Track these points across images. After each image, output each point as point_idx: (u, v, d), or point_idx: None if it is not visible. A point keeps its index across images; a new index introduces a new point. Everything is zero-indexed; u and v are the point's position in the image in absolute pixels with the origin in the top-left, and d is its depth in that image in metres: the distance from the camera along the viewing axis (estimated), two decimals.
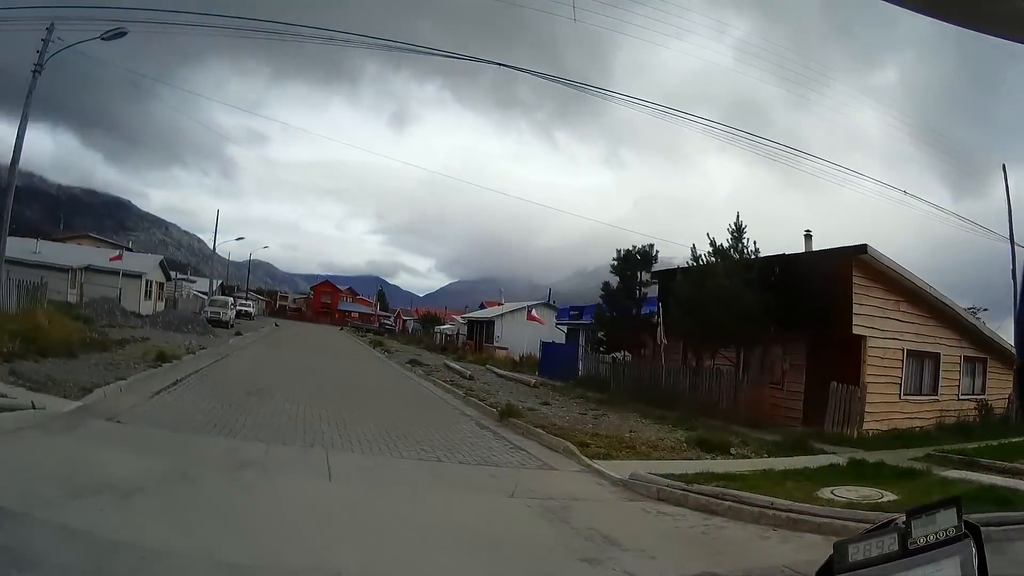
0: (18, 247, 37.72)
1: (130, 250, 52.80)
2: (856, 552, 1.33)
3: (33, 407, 8.04)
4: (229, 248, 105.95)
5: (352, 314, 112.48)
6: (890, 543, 1.32)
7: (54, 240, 50.87)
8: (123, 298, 36.49)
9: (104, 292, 35.76)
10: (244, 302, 69.70)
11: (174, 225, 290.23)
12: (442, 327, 68.25)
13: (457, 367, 28.11)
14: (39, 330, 13.96)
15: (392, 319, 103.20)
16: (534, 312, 44.34)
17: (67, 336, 14.60)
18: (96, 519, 5.03)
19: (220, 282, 76.81)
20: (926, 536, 1.30)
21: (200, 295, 57.71)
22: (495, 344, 45.46)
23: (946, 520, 1.31)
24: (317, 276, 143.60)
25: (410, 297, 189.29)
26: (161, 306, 45.21)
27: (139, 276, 41.89)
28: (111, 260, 40.54)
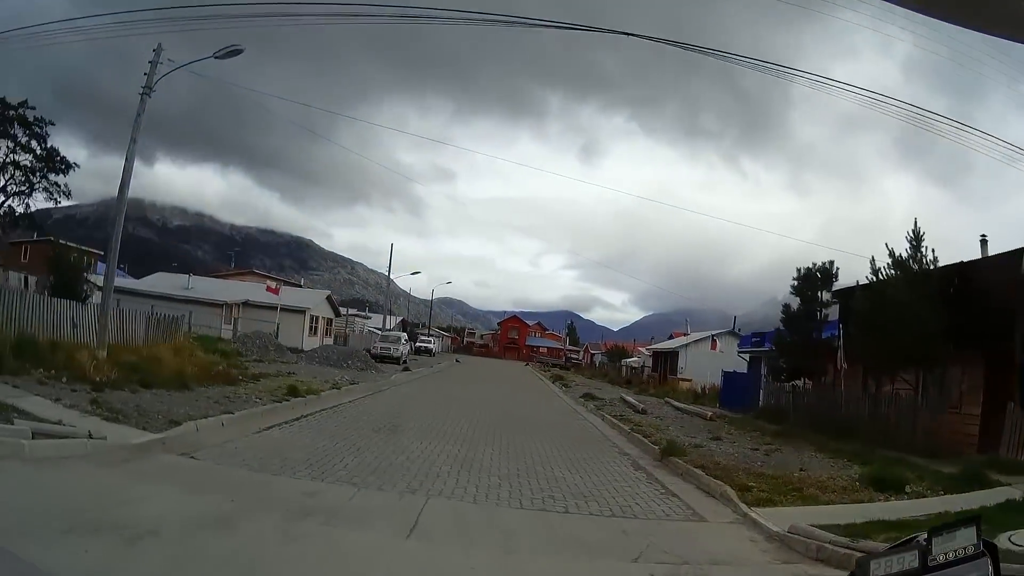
0: (169, 283, 42.95)
1: (297, 286, 57.72)
2: (878, 568, 1.58)
3: (89, 437, 8.29)
4: (412, 284, 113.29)
5: (540, 349, 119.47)
6: (911, 560, 1.56)
7: (217, 277, 56.82)
8: (284, 333, 40.14)
9: (263, 327, 39.11)
10: (425, 338, 75.28)
11: (360, 263, 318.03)
12: (628, 360, 71.61)
13: (632, 400, 29.46)
14: (154, 361, 14.89)
15: (580, 353, 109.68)
16: (718, 341, 46.75)
17: (181, 368, 15.45)
18: (71, 561, 4.89)
19: (400, 318, 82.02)
20: (945, 553, 1.53)
21: (375, 331, 61.49)
22: (679, 376, 48.36)
23: (965, 538, 1.53)
24: (509, 313, 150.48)
25: (602, 331, 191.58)
26: (329, 341, 49.38)
27: (302, 311, 46.44)
28: (268, 291, 44.60)
